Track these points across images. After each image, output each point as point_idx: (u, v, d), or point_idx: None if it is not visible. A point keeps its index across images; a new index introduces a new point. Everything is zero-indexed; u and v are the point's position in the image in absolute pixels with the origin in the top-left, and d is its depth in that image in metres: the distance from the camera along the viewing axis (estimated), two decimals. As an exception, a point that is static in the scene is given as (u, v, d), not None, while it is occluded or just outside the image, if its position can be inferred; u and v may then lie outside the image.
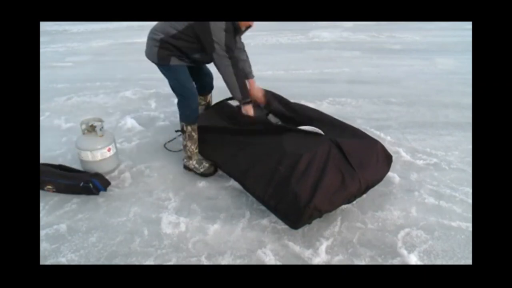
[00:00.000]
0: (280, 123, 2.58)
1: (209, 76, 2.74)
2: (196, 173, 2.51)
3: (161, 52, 2.29)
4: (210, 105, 2.89)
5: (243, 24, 2.30)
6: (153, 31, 2.33)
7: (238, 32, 2.34)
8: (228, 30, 2.17)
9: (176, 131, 2.85)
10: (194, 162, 2.51)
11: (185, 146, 2.50)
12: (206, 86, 2.79)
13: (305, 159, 2.08)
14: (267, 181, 2.05)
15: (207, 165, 2.49)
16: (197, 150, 2.51)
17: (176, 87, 2.41)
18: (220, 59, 2.20)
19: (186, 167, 2.55)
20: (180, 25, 2.22)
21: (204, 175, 2.48)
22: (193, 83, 2.45)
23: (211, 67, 2.52)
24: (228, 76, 2.24)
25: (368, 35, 6.14)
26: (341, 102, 3.62)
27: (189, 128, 2.43)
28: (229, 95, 2.77)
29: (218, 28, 2.14)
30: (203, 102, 2.86)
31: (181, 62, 2.33)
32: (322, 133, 2.29)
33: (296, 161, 2.09)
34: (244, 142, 2.34)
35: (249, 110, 2.42)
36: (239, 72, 2.28)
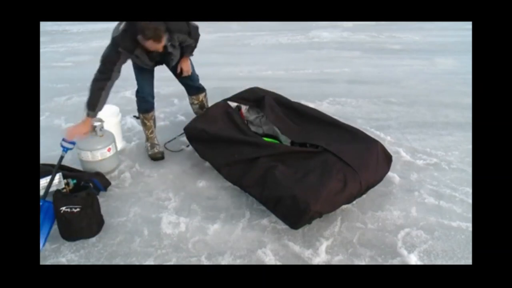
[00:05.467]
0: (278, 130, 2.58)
1: (191, 79, 2.74)
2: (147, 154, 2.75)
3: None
4: (205, 106, 2.89)
5: (148, 45, 2.10)
6: None
7: (136, 52, 2.22)
8: (114, 41, 2.13)
9: (133, 116, 3.04)
10: (148, 144, 2.77)
11: (143, 129, 2.78)
12: (191, 87, 2.81)
13: (302, 164, 2.09)
14: (262, 184, 2.07)
15: (156, 151, 2.73)
16: (151, 135, 2.76)
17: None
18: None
19: (145, 147, 2.80)
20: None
21: (150, 157, 2.72)
22: (146, 78, 2.58)
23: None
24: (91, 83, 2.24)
25: (368, 35, 6.14)
26: (341, 102, 3.62)
27: (141, 115, 2.70)
28: (226, 96, 2.79)
29: (114, 31, 2.17)
30: (195, 102, 2.87)
31: None
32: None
33: (293, 165, 2.11)
34: (240, 149, 2.34)
35: (85, 122, 2.23)
36: (98, 84, 2.24)
